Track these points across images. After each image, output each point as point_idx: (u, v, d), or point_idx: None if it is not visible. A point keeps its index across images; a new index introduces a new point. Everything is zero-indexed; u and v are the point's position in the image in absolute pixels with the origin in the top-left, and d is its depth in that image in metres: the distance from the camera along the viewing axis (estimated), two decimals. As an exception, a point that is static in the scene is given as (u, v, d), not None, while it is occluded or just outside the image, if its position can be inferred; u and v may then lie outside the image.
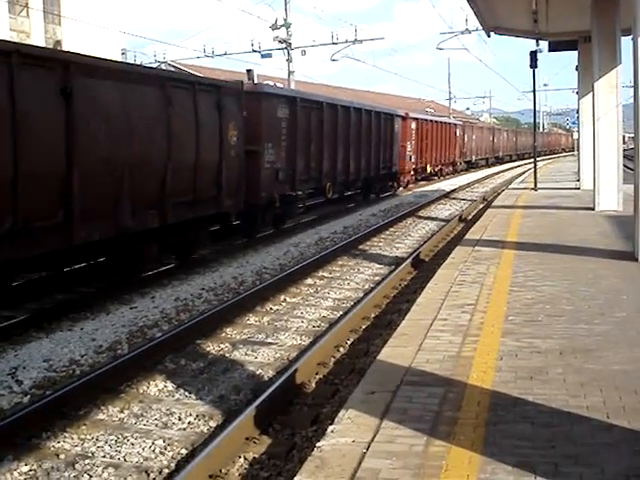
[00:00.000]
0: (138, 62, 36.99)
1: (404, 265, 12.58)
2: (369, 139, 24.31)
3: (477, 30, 37.20)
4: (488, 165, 54.74)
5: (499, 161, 59.31)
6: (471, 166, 48.96)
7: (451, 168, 42.17)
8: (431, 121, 36.75)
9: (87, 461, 5.36)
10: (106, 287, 11.19)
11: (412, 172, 32.52)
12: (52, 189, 9.00)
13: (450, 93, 74.17)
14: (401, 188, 30.80)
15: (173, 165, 11.55)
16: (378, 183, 27.31)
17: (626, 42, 15.28)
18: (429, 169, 35.66)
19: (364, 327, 8.99)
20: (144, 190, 10.91)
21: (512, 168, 52.26)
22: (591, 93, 16.61)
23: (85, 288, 11.21)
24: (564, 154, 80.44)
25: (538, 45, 24.17)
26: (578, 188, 22.08)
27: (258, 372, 7.37)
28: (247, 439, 5.53)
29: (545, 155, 69.99)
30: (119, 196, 10.32)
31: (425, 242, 15.80)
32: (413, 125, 32.19)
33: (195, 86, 12.71)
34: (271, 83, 22.73)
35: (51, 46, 34.18)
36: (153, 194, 11.24)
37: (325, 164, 19.96)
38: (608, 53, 15.44)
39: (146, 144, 10.94)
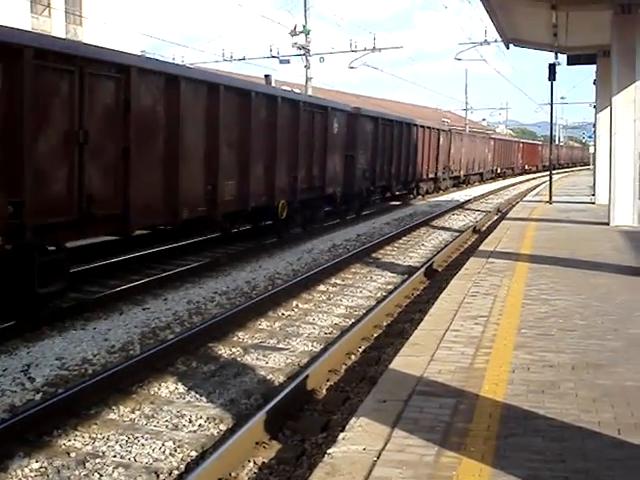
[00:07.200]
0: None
1: (417, 274, 12.58)
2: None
3: (496, 42, 37.28)
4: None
5: (561, 166, 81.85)
6: (545, 169, 69.14)
7: (535, 168, 70.43)
8: (529, 144, 72.22)
9: (97, 460, 5.39)
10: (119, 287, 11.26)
11: (520, 169, 63.07)
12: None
13: (467, 104, 74.46)
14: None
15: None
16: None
17: (646, 57, 15.30)
18: (526, 167, 66.15)
19: (376, 335, 8.99)
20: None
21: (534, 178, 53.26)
22: (609, 107, 16.59)
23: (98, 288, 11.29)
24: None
25: (557, 58, 24.19)
26: (593, 202, 22.02)
27: (269, 377, 7.39)
28: (257, 443, 5.54)
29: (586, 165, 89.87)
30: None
31: (438, 252, 15.79)
32: (521, 146, 64.41)
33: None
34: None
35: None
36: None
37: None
38: (627, 68, 15.41)
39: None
